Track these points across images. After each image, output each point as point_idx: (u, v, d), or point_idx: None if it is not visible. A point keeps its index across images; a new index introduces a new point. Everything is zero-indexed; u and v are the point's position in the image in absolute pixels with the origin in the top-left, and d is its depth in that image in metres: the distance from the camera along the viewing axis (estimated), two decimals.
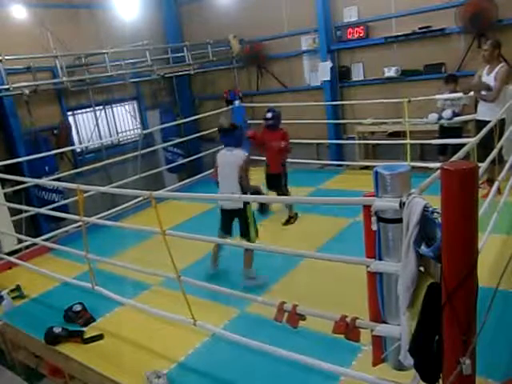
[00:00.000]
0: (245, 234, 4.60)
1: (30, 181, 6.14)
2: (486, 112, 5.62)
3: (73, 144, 8.77)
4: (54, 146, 7.96)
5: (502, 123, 5.51)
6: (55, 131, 8.42)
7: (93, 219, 4.71)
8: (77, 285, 4.60)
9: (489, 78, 5.59)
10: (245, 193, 4.46)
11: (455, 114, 6.47)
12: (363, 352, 3.20)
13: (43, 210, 5.88)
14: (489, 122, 5.47)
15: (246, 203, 4.48)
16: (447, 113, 6.47)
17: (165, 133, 9.41)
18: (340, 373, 2.96)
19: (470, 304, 2.00)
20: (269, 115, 6.13)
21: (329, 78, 8.87)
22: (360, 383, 2.78)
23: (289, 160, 8.75)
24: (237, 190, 4.49)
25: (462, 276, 1.94)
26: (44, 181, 6.55)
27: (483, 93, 5.63)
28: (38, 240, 5.78)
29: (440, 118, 6.55)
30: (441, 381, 2.17)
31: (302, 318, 2.81)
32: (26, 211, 6.41)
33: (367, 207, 2.29)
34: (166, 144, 9.12)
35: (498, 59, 5.65)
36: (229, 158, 4.62)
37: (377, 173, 2.22)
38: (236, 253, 4.94)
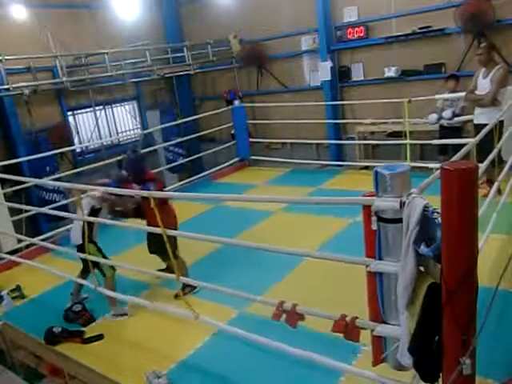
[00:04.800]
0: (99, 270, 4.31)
1: (29, 180, 6.14)
2: (482, 115, 5.59)
3: (72, 144, 8.77)
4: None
5: (500, 125, 5.50)
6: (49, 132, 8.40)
7: (93, 219, 4.70)
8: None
9: (485, 81, 5.53)
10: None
11: (455, 115, 6.47)
12: (363, 352, 3.19)
13: (43, 209, 5.88)
14: (486, 125, 5.49)
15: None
16: (447, 113, 6.46)
17: (165, 133, 9.42)
18: (342, 369, 2.95)
19: (470, 304, 1.99)
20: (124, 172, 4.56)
21: (329, 78, 8.88)
22: (362, 380, 2.78)
23: (289, 160, 8.73)
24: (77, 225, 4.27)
25: (461, 276, 1.94)
26: (41, 181, 6.54)
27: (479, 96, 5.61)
28: (37, 240, 5.77)
29: (440, 118, 6.55)
30: (440, 380, 2.17)
31: (302, 317, 2.80)
32: (26, 211, 6.42)
33: (367, 207, 2.29)
34: (165, 144, 9.12)
35: (494, 61, 5.62)
36: None
37: (377, 173, 2.22)
38: (232, 253, 4.95)
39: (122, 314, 4.36)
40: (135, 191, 4.19)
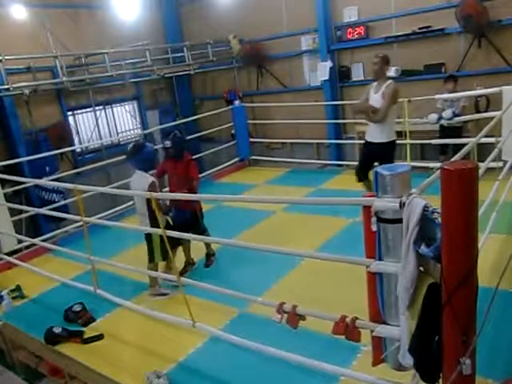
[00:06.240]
0: (150, 257, 4.55)
1: (29, 181, 6.15)
2: (374, 133, 5.33)
3: (72, 143, 8.76)
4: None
5: (392, 145, 5.30)
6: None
7: (93, 219, 4.72)
8: (78, 287, 4.59)
9: (377, 95, 5.22)
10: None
11: (455, 115, 6.46)
12: (363, 352, 3.20)
13: (43, 210, 5.89)
14: (377, 143, 5.26)
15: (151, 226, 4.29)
16: (447, 113, 6.45)
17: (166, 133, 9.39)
18: (340, 373, 2.96)
19: (470, 304, 1.99)
20: (167, 143, 4.97)
21: (327, 78, 8.87)
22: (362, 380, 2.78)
23: (289, 160, 8.69)
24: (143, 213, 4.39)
25: (461, 276, 1.94)
26: (42, 181, 6.54)
27: (370, 114, 5.26)
28: (37, 240, 5.78)
29: (440, 118, 6.54)
30: (441, 381, 2.17)
31: (302, 318, 2.81)
32: (26, 211, 6.42)
33: (367, 207, 2.29)
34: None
35: (385, 75, 5.32)
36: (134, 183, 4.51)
37: (377, 173, 2.22)
38: (233, 253, 4.95)
39: (162, 294, 4.52)
40: (139, 192, 4.19)
